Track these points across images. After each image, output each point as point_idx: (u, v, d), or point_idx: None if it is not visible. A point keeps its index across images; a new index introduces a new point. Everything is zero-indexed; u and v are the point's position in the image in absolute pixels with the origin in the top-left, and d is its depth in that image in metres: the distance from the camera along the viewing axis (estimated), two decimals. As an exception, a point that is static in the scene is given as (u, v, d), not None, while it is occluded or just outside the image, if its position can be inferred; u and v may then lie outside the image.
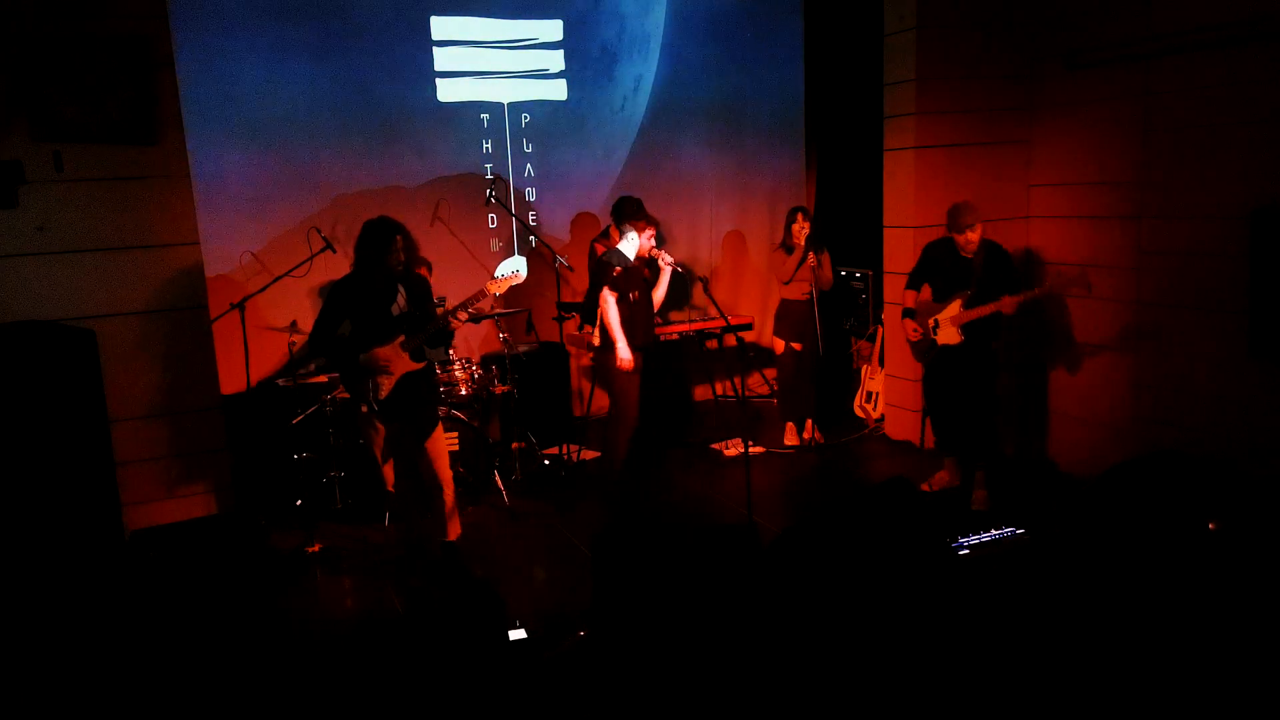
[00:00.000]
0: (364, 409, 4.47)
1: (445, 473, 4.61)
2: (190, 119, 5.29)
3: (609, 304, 5.18)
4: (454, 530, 4.69)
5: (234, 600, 3.94)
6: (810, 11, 7.60)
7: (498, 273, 4.76)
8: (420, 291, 4.51)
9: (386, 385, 4.42)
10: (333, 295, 4.46)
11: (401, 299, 4.42)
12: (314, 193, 6.30)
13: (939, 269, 5.16)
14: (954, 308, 5.04)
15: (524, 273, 4.85)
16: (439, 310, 4.57)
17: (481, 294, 4.55)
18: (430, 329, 4.43)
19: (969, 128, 6.04)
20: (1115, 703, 2.74)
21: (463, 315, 4.45)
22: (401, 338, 4.40)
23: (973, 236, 4.97)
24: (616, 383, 5.25)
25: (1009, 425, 6.09)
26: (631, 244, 5.27)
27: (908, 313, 5.27)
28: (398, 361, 4.42)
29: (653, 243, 5.37)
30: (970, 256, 5.03)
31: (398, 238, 4.32)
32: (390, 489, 5.05)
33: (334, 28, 6.23)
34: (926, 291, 5.29)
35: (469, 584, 4.54)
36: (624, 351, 5.17)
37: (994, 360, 5.19)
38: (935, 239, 5.27)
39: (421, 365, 4.49)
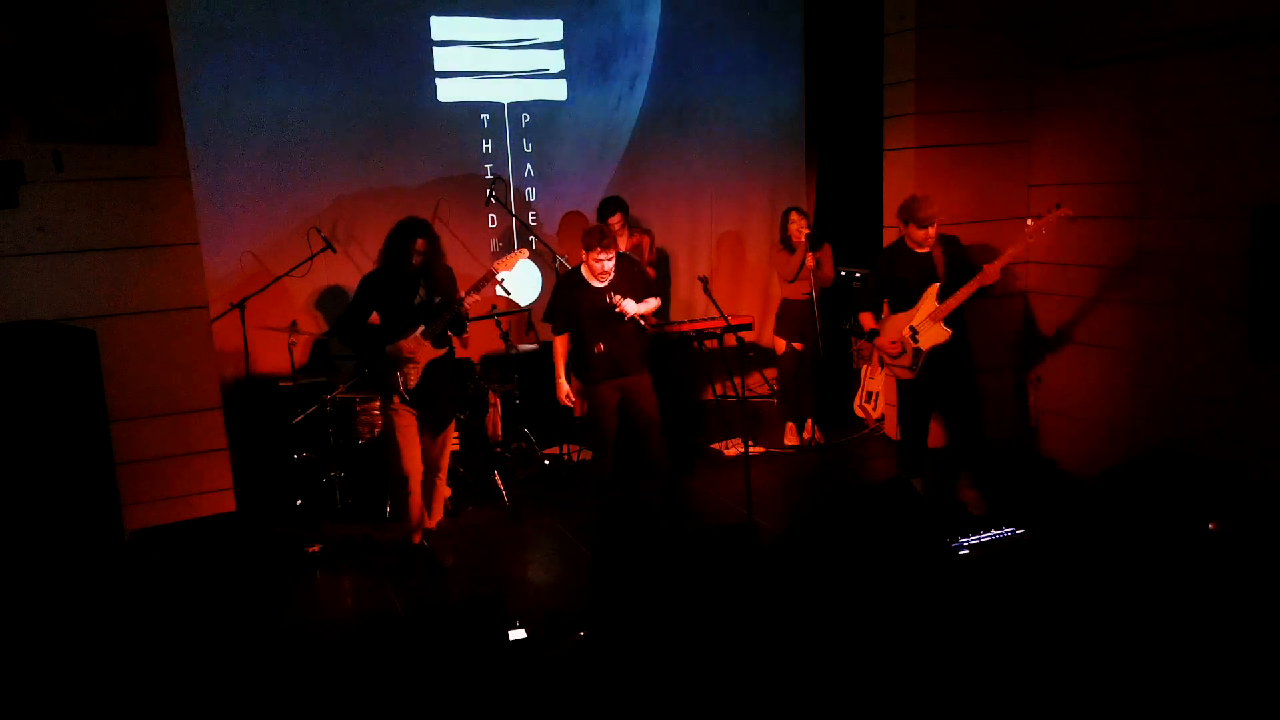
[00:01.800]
0: (396, 400, 4.58)
1: (445, 464, 4.84)
2: (190, 119, 5.29)
3: (555, 340, 5.00)
4: (437, 515, 4.89)
5: (234, 600, 3.94)
6: (810, 11, 7.60)
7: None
8: (443, 284, 4.66)
9: (414, 374, 4.58)
10: (361, 289, 4.67)
11: (423, 291, 4.60)
12: (314, 193, 6.30)
13: (898, 276, 4.94)
14: (928, 305, 4.83)
15: (527, 253, 4.90)
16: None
17: (490, 275, 4.65)
18: (446, 316, 4.56)
19: (969, 128, 6.03)
20: (1115, 702, 2.74)
21: (474, 297, 4.58)
22: (421, 327, 4.56)
23: (932, 232, 4.79)
24: (591, 404, 5.04)
25: (1008, 424, 6.10)
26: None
27: (873, 335, 5.01)
28: (421, 350, 4.58)
29: (604, 265, 4.78)
30: (926, 252, 4.86)
31: (418, 240, 4.50)
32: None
33: (333, 28, 6.23)
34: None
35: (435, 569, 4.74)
36: (560, 388, 5.01)
37: (971, 353, 5.01)
38: (887, 248, 5.15)
39: (444, 351, 4.64)
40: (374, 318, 4.66)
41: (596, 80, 7.10)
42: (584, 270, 4.90)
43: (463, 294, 4.59)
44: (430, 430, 4.71)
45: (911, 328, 4.87)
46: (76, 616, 3.76)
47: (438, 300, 4.60)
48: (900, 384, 5.16)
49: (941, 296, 4.81)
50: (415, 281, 4.59)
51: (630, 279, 4.96)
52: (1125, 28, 5.31)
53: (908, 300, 4.91)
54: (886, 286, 5.04)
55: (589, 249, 4.79)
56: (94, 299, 4.56)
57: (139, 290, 4.66)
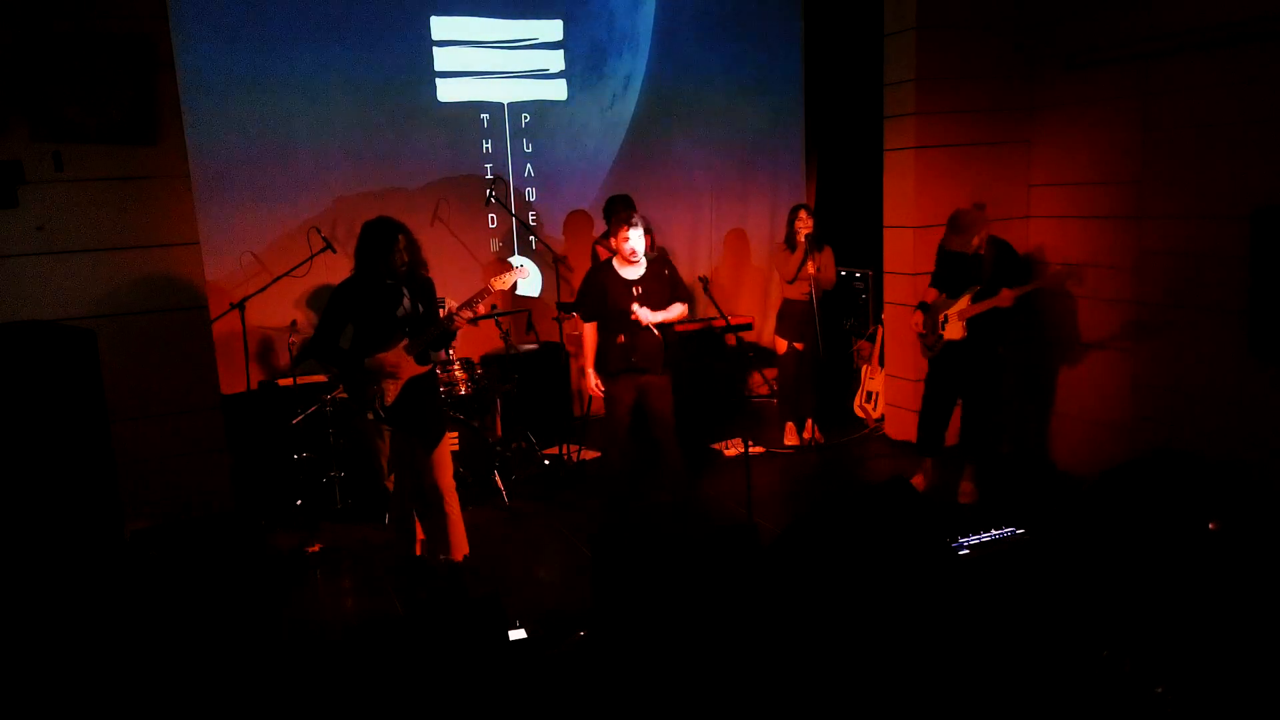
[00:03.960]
0: (369, 416, 4.35)
1: (448, 482, 4.50)
2: (191, 119, 5.30)
3: (583, 326, 5.01)
4: (459, 548, 4.55)
5: (234, 601, 3.94)
6: (810, 11, 7.60)
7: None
8: (426, 292, 4.39)
9: (392, 390, 4.30)
10: (334, 300, 4.35)
11: (406, 301, 4.31)
12: (314, 193, 6.30)
13: (952, 267, 5.17)
14: (963, 302, 5.08)
15: (529, 266, 4.79)
16: (442, 312, 4.50)
17: (485, 292, 4.41)
18: (434, 331, 4.33)
19: (969, 128, 6.03)
20: (1116, 702, 2.74)
21: (467, 314, 4.32)
22: (405, 341, 4.29)
23: (972, 240, 4.97)
24: (606, 397, 5.05)
25: (1008, 424, 6.09)
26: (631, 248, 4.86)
27: (922, 306, 5.31)
28: (403, 365, 4.31)
29: (630, 245, 4.79)
30: (980, 253, 5.04)
31: (400, 237, 4.23)
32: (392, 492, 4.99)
33: (334, 28, 6.23)
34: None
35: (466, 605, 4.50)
36: (588, 378, 4.99)
37: (1000, 361, 5.19)
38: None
39: (426, 368, 4.39)
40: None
41: (591, 79, 7.10)
42: (615, 260, 4.93)
43: (454, 308, 4.33)
44: (414, 448, 4.44)
45: (945, 315, 5.18)
46: (77, 616, 3.76)
47: (422, 310, 4.33)
48: (929, 366, 5.42)
49: (975, 299, 5.04)
50: (398, 289, 4.29)
51: (658, 279, 4.92)
52: (1125, 28, 5.31)
53: (955, 291, 5.17)
54: (942, 270, 5.28)
55: (614, 232, 4.87)
56: (94, 299, 4.57)
57: (139, 290, 4.66)
